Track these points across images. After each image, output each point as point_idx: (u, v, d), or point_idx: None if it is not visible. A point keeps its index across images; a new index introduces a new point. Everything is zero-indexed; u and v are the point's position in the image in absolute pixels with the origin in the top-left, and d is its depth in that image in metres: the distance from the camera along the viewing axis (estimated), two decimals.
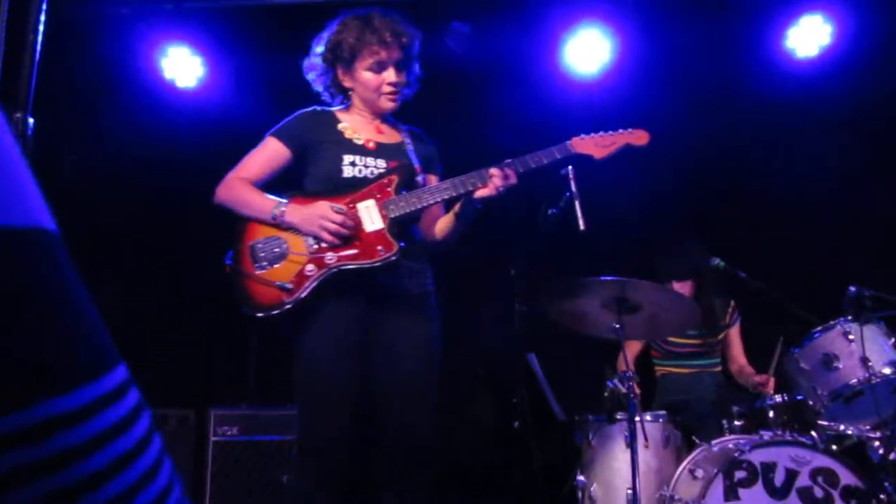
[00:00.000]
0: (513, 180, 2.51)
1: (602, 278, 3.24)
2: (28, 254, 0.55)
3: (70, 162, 4.71)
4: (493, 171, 2.51)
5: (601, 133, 2.67)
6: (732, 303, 4.42)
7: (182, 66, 5.08)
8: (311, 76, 2.80)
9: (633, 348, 4.33)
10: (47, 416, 0.52)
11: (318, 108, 2.76)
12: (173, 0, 4.91)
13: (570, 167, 3.11)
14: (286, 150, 2.66)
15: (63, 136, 4.79)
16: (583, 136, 2.66)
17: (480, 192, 2.50)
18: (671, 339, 4.32)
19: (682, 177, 5.10)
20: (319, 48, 2.71)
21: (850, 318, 3.33)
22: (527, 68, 5.17)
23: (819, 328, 3.43)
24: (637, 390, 3.91)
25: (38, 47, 1.28)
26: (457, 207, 2.65)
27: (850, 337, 3.29)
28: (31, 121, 1.25)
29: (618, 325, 3.31)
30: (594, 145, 2.63)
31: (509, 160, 2.54)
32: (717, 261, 4.05)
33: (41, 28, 1.29)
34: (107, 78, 5.09)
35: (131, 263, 5.29)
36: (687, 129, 4.93)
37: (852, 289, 3.32)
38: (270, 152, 2.67)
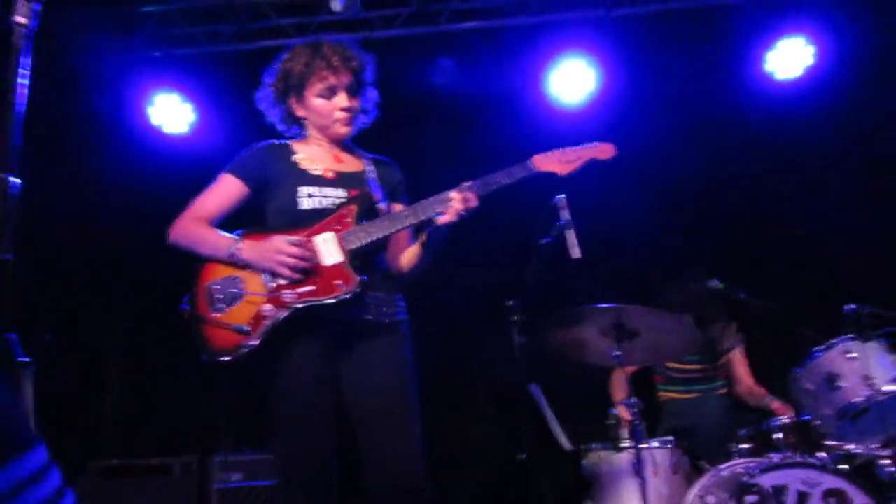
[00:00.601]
0: (473, 203, 2.40)
1: (599, 305, 3.23)
2: None
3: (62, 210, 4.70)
4: (453, 193, 2.40)
5: (564, 149, 2.56)
6: (735, 325, 4.39)
7: (172, 113, 5.12)
8: (263, 108, 2.73)
9: (625, 371, 4.28)
10: None
11: (275, 141, 2.68)
12: (162, 48, 4.96)
13: (563, 195, 3.11)
14: (243, 186, 2.56)
15: (55, 186, 4.79)
16: (546, 152, 2.54)
17: (443, 219, 2.41)
18: (673, 364, 4.29)
19: (671, 199, 5.12)
20: (270, 79, 2.65)
21: (850, 336, 3.31)
22: (513, 99, 5.22)
23: (820, 347, 3.41)
24: (625, 414, 3.87)
25: (22, 108, 1.27)
26: (423, 237, 2.56)
27: (852, 355, 3.27)
28: (15, 181, 1.24)
29: (618, 352, 3.29)
30: (557, 161, 2.52)
31: (469, 182, 2.44)
32: (715, 282, 4.04)
33: (24, 90, 1.29)
34: (98, 126, 5.13)
35: (130, 312, 5.27)
36: (673, 152, 4.97)
37: (851, 306, 3.31)
38: (225, 189, 2.58)
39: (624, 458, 3.47)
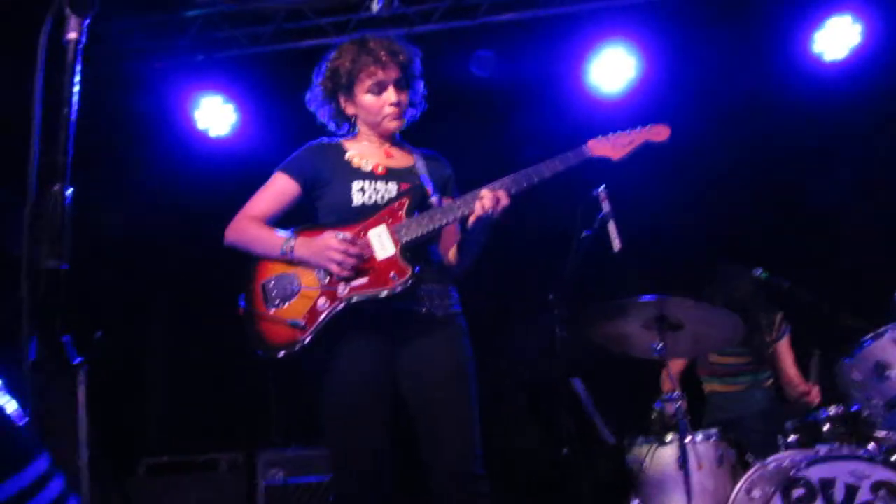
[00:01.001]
0: (504, 202, 2.37)
1: (641, 298, 3.21)
2: None
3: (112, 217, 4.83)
4: (484, 191, 2.40)
5: (618, 132, 2.51)
6: (780, 314, 4.32)
7: (215, 115, 5.22)
8: (314, 108, 2.76)
9: (676, 366, 4.25)
10: None
11: (325, 139, 2.71)
12: (205, 51, 5.06)
13: (602, 187, 3.09)
14: (295, 185, 2.60)
15: (104, 191, 4.93)
16: (599, 137, 2.51)
17: (471, 217, 2.40)
18: (717, 357, 4.24)
19: (715, 189, 5.05)
20: (318, 79, 2.66)
21: None
22: (553, 90, 5.20)
23: (869, 336, 3.33)
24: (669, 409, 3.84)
25: (74, 120, 1.33)
26: (468, 223, 2.51)
27: None
28: (69, 192, 1.30)
29: (660, 345, 3.27)
30: (611, 146, 2.48)
31: (507, 177, 2.43)
32: (759, 271, 3.98)
33: (76, 101, 1.35)
34: (144, 131, 5.26)
35: (175, 312, 5.40)
36: (716, 140, 4.89)
37: None
38: (278, 188, 2.62)
39: (668, 453, 3.45)
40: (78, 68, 1.36)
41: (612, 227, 2.99)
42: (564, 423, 3.82)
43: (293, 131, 5.18)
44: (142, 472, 4.36)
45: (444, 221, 2.42)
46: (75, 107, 1.35)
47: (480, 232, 2.50)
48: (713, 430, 3.57)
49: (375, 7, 2.15)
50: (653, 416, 3.63)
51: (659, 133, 2.51)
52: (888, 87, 4.87)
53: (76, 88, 1.36)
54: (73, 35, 1.38)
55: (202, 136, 5.28)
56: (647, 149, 2.48)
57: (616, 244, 2.92)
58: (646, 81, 5.05)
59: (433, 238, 2.52)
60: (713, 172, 4.93)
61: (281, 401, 5.04)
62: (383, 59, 2.52)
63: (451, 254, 2.63)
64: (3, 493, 0.57)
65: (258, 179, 5.23)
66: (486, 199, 2.36)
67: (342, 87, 2.59)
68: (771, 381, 4.30)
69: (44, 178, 1.28)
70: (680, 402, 3.25)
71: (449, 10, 4.89)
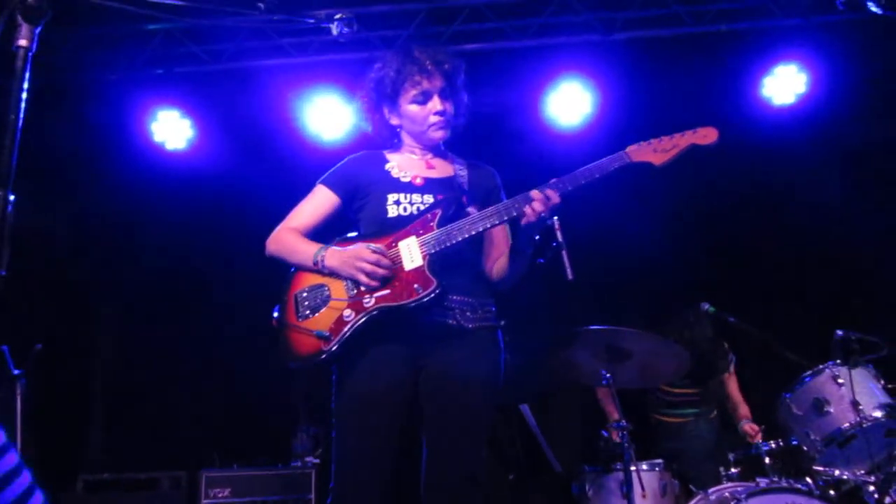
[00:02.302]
0: (554, 201, 2.29)
1: (591, 328, 3.25)
2: None
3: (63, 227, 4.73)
4: (534, 192, 2.30)
5: (659, 138, 2.40)
6: (726, 345, 4.42)
7: (172, 129, 5.19)
8: (359, 121, 2.72)
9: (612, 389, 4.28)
10: None
11: (369, 151, 2.69)
12: (164, 65, 5.02)
13: (555, 217, 3.13)
14: (334, 197, 2.59)
15: (55, 201, 4.84)
16: (641, 142, 2.40)
17: (523, 220, 2.32)
18: (666, 388, 4.31)
19: (667, 224, 5.16)
20: (363, 90, 2.64)
21: (838, 361, 3.34)
22: (511, 121, 5.27)
23: (809, 372, 3.44)
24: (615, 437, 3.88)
25: (20, 126, 1.31)
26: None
27: (840, 381, 3.30)
28: (11, 197, 1.27)
29: (609, 374, 3.31)
30: (652, 151, 2.37)
31: (555, 179, 2.34)
32: (706, 306, 4.07)
33: (23, 108, 1.33)
34: (99, 142, 5.19)
35: (124, 324, 5.29)
36: (669, 176, 4.98)
37: (839, 332, 3.34)
38: (319, 200, 2.60)
39: (613, 480, 3.49)
40: (27, 75, 1.34)
41: (565, 257, 3.03)
42: (512, 450, 3.83)
43: (249, 147, 5.21)
44: (79, 489, 4.24)
45: (475, 230, 2.36)
46: (22, 113, 1.33)
47: (530, 239, 2.41)
48: (658, 460, 3.63)
49: (335, 30, 2.12)
50: (600, 444, 3.66)
51: (706, 135, 2.37)
52: (835, 132, 5.07)
53: (24, 95, 1.34)
54: (23, 42, 1.36)
55: (158, 149, 5.23)
56: (693, 152, 2.36)
57: (569, 273, 2.95)
58: (601, 117, 5.17)
59: (469, 249, 2.48)
60: (664, 207, 5.05)
61: (226, 419, 4.95)
62: (428, 67, 2.51)
63: (500, 264, 2.55)
64: None
65: (212, 193, 5.22)
66: (537, 202, 2.29)
67: (386, 97, 2.57)
68: (715, 413, 4.38)
69: None
70: (625, 431, 3.29)
71: (411, 38, 4.95)
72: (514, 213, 2.35)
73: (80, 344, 5.18)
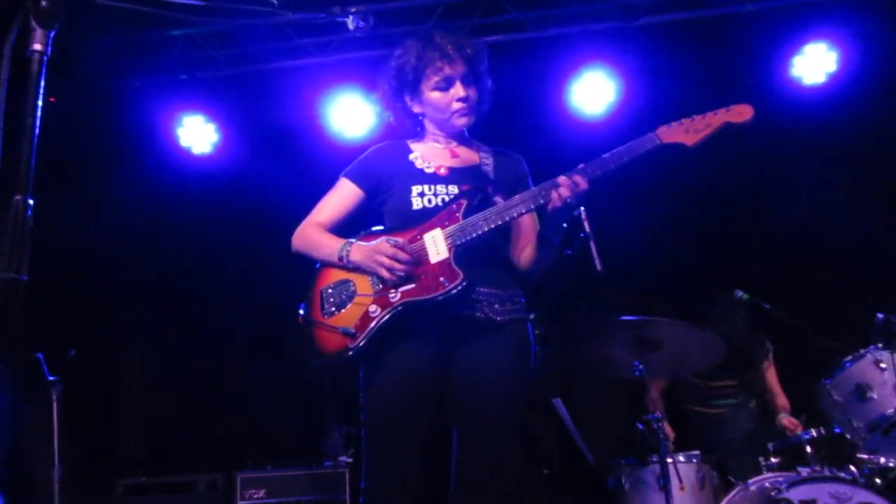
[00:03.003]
0: (582, 187, 2.22)
1: (621, 318, 3.20)
2: None
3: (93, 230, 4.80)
4: (561, 178, 2.23)
5: (691, 117, 2.29)
6: (763, 337, 4.33)
7: (197, 133, 5.24)
8: (380, 111, 2.66)
9: (657, 385, 4.23)
10: None
11: (391, 141, 2.64)
12: (187, 70, 5.07)
13: (581, 208, 3.09)
14: (358, 190, 2.54)
15: (86, 207, 4.90)
16: (671, 123, 2.30)
17: (550, 206, 2.25)
18: (703, 380, 4.22)
19: (697, 211, 5.07)
20: (384, 79, 2.58)
21: (880, 345, 3.25)
22: (535, 111, 5.23)
23: (849, 357, 3.34)
24: (668, 431, 3.83)
25: (37, 130, 1.31)
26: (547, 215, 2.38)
27: (882, 365, 3.20)
28: (30, 202, 1.27)
29: (641, 365, 3.26)
30: (684, 132, 2.27)
31: (582, 164, 2.27)
32: (740, 293, 3.99)
33: (39, 111, 1.33)
34: (128, 147, 5.26)
35: (155, 329, 5.35)
36: (698, 162, 4.91)
37: (880, 316, 3.25)
38: (342, 193, 2.56)
39: (649, 473, 3.43)
40: (42, 80, 1.34)
41: (592, 248, 2.98)
42: (545, 444, 3.79)
43: (273, 148, 5.24)
44: (119, 492, 4.30)
45: (502, 220, 2.30)
46: (39, 118, 1.33)
47: (557, 227, 2.34)
48: (695, 452, 3.56)
49: (352, 25, 2.10)
50: (634, 437, 3.61)
51: (741, 113, 2.27)
52: (868, 111, 4.93)
53: (40, 100, 1.34)
54: (38, 46, 1.36)
55: (185, 154, 5.28)
56: (727, 131, 2.25)
57: (598, 264, 2.90)
58: (626, 104, 5.10)
59: (496, 239, 2.42)
60: (692, 194, 4.96)
61: (260, 421, 4.99)
62: (450, 52, 2.45)
63: (527, 253, 2.48)
64: None
65: (239, 194, 5.25)
66: (564, 188, 2.22)
67: (408, 84, 2.51)
68: (754, 403, 4.29)
69: (5, 189, 1.26)
70: (662, 423, 3.23)
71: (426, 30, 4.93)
72: (542, 201, 2.28)
73: (114, 348, 5.25)
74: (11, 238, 1.20)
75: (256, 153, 5.26)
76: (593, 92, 5.11)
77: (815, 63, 4.96)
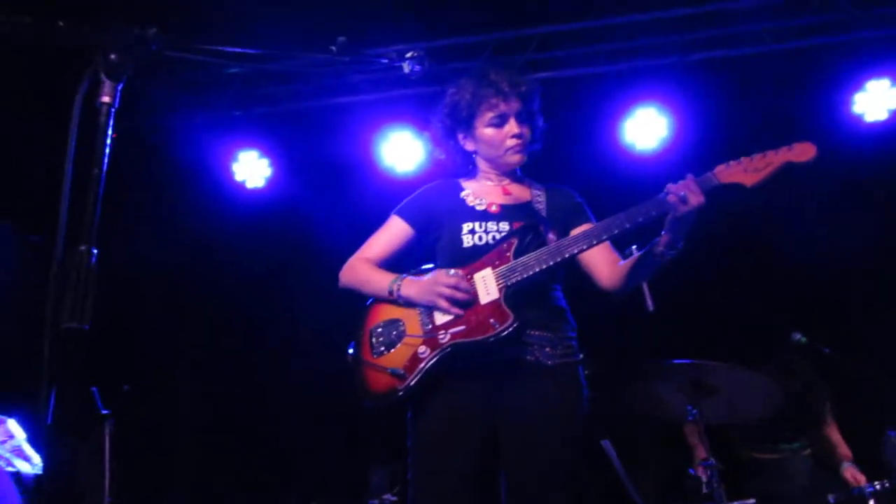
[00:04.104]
0: (700, 199, 2.14)
1: (675, 361, 3.13)
2: None
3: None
4: (669, 190, 2.15)
5: (750, 156, 2.20)
6: (823, 381, 4.17)
7: (251, 168, 5.36)
8: (432, 148, 2.67)
9: (694, 430, 4.09)
10: None
11: (444, 179, 2.63)
12: (243, 107, 5.20)
13: (633, 246, 3.04)
14: (408, 228, 2.53)
15: (143, 240, 5.03)
16: (730, 162, 2.22)
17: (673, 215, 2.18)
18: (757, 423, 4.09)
19: (752, 250, 4.96)
20: (438, 115, 2.58)
21: None
22: (590, 146, 5.21)
23: None
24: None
25: (103, 180, 1.35)
26: (637, 256, 2.34)
27: None
28: (94, 251, 1.31)
29: (695, 409, 3.17)
30: (743, 171, 2.19)
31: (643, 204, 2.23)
32: (798, 336, 3.87)
33: (106, 161, 1.37)
34: (186, 183, 5.40)
35: (205, 362, 5.44)
36: (754, 200, 4.81)
37: None
38: (393, 231, 2.55)
39: None
40: (109, 131, 1.39)
41: (645, 288, 2.93)
42: (594, 487, 3.71)
43: (324, 183, 5.31)
44: None
45: (551, 262, 2.25)
46: (105, 168, 1.37)
47: (678, 237, 2.24)
48: (750, 500, 3.44)
49: (407, 68, 2.12)
50: (686, 483, 3.51)
51: (804, 152, 2.16)
52: None
53: (107, 150, 1.38)
54: (106, 98, 1.41)
55: (240, 188, 5.40)
56: (788, 171, 2.16)
57: (650, 304, 2.84)
58: (678, 140, 5.05)
59: (548, 280, 2.38)
60: (748, 232, 4.85)
61: (306, 459, 5.00)
62: (505, 90, 2.44)
63: (616, 276, 2.42)
64: None
65: (290, 229, 5.33)
66: (672, 194, 2.15)
67: (461, 121, 2.51)
68: (810, 450, 4.13)
69: (70, 238, 1.30)
70: (714, 469, 3.13)
71: (479, 66, 4.97)
72: (606, 237, 2.25)
73: (167, 383, 5.34)
74: (75, 288, 1.24)
75: (308, 188, 5.34)
76: (646, 127, 5.08)
77: (877, 99, 4.85)
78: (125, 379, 3.19)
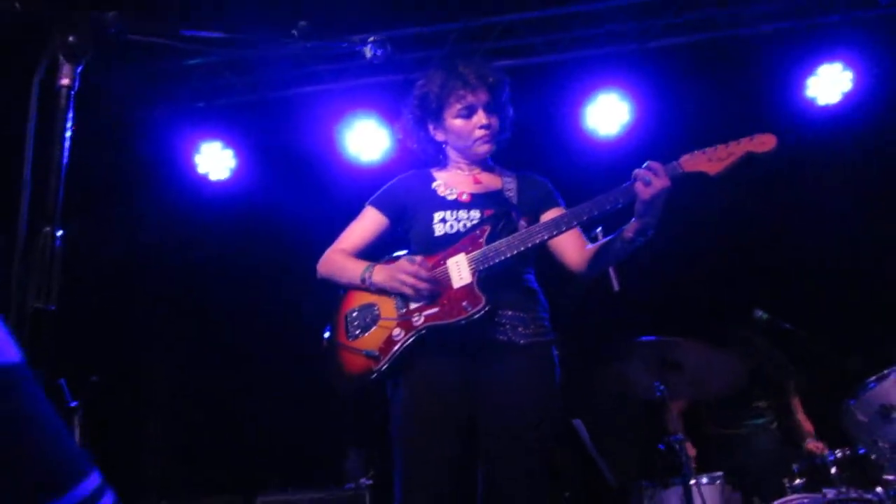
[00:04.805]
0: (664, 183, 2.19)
1: (642, 339, 3.19)
2: None
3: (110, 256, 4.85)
4: (638, 176, 2.18)
5: (714, 146, 2.27)
6: (785, 357, 4.28)
7: (215, 160, 5.31)
8: (403, 139, 2.70)
9: (678, 406, 4.19)
10: None
11: (417, 170, 2.68)
12: (205, 98, 5.14)
13: (599, 228, 3.09)
14: (382, 217, 2.59)
15: (107, 233, 4.96)
16: (694, 152, 2.28)
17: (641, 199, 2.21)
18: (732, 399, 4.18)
19: (715, 231, 5.06)
20: (407, 107, 2.62)
21: None
22: (549, 133, 5.25)
23: (873, 378, 3.30)
24: (691, 452, 3.79)
25: (65, 163, 1.35)
26: (602, 241, 2.39)
27: None
28: (59, 233, 1.30)
29: (662, 386, 3.24)
30: (707, 160, 2.25)
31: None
32: (759, 312, 3.96)
33: (67, 144, 1.36)
34: (147, 176, 5.33)
35: (175, 352, 5.39)
36: (711, 182, 4.91)
37: None
38: (367, 221, 2.61)
39: (672, 495, 3.40)
40: (70, 113, 1.38)
41: (610, 269, 2.98)
42: (566, 466, 3.76)
43: (290, 173, 5.29)
44: None
45: (522, 248, 2.31)
46: (66, 150, 1.37)
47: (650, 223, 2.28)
48: (718, 473, 3.52)
49: (369, 53, 2.13)
50: (656, 459, 3.58)
51: (763, 143, 2.24)
52: (881, 130, 4.93)
53: (68, 133, 1.37)
54: (65, 81, 1.40)
55: (203, 180, 5.35)
56: (749, 162, 2.21)
57: (615, 284, 2.90)
58: (640, 126, 5.12)
59: (520, 264, 2.43)
60: (708, 214, 4.94)
61: (281, 443, 4.99)
62: (473, 81, 2.49)
63: (583, 259, 2.46)
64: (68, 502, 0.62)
65: (255, 219, 5.31)
66: (639, 181, 2.19)
67: (431, 112, 2.56)
68: (776, 424, 4.24)
69: (34, 220, 1.29)
70: (684, 444, 3.20)
71: (447, 57, 4.98)
72: (574, 223, 2.30)
73: (134, 373, 5.29)
74: (41, 269, 1.23)
75: (273, 178, 5.32)
76: (607, 113, 5.14)
77: (829, 83, 4.96)
78: (93, 370, 3.15)
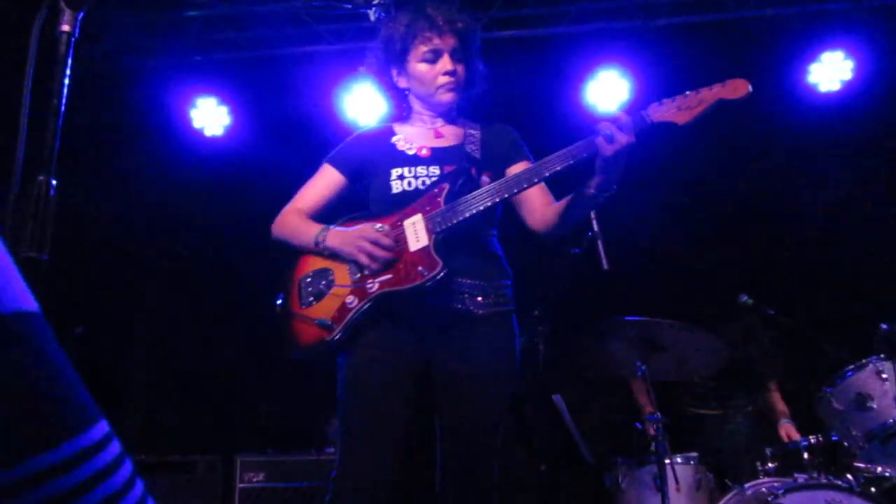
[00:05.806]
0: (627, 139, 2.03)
1: (626, 318, 3.22)
2: (12, 335, 0.63)
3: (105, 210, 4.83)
4: (600, 129, 2.03)
5: (684, 94, 2.10)
6: (767, 342, 4.33)
7: (210, 116, 5.25)
8: (374, 82, 2.53)
9: (640, 387, 4.20)
10: (35, 469, 0.61)
11: (377, 125, 2.56)
12: (203, 52, 5.07)
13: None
14: (339, 175, 2.43)
15: (97, 185, 4.92)
16: (661, 100, 2.12)
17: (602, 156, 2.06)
18: (701, 381, 4.24)
19: (707, 212, 5.07)
20: (373, 50, 2.46)
21: (882, 356, 3.26)
22: (549, 107, 5.23)
23: (851, 367, 3.35)
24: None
25: (62, 111, 1.33)
26: (567, 200, 2.24)
27: (884, 376, 3.21)
28: (53, 182, 1.29)
29: (644, 366, 3.28)
30: (676, 109, 2.08)
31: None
32: (744, 297, 3.99)
33: (65, 92, 1.35)
34: (141, 128, 5.27)
35: (161, 310, 5.39)
36: (708, 164, 4.92)
37: (884, 326, 3.26)
38: (324, 179, 2.45)
39: (647, 473, 3.45)
40: (69, 61, 1.36)
41: (600, 247, 2.99)
42: (544, 440, 3.81)
43: (285, 133, 5.25)
44: None
45: (481, 207, 2.14)
46: (64, 99, 1.35)
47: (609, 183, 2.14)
48: (693, 454, 3.58)
49: (373, 16, 2.10)
50: (633, 437, 3.63)
51: (736, 88, 2.06)
52: (881, 119, 4.94)
53: (66, 81, 1.36)
54: (66, 28, 1.38)
55: (197, 135, 5.30)
56: (720, 110, 2.07)
57: (605, 263, 2.90)
58: (638, 104, 5.09)
59: (482, 226, 2.30)
60: (702, 196, 4.96)
61: (263, 405, 5.02)
62: (440, 25, 2.33)
63: (548, 217, 2.33)
64: (72, 448, 0.65)
65: (248, 178, 5.28)
66: (602, 137, 2.04)
67: (395, 55, 2.39)
68: (752, 407, 4.30)
69: (29, 169, 1.28)
70: (659, 423, 3.25)
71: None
72: (536, 180, 2.15)
73: (120, 327, 5.29)
74: (34, 217, 1.22)
75: (268, 138, 5.27)
76: (607, 90, 5.11)
77: (831, 71, 4.96)
78: (78, 323, 3.15)
